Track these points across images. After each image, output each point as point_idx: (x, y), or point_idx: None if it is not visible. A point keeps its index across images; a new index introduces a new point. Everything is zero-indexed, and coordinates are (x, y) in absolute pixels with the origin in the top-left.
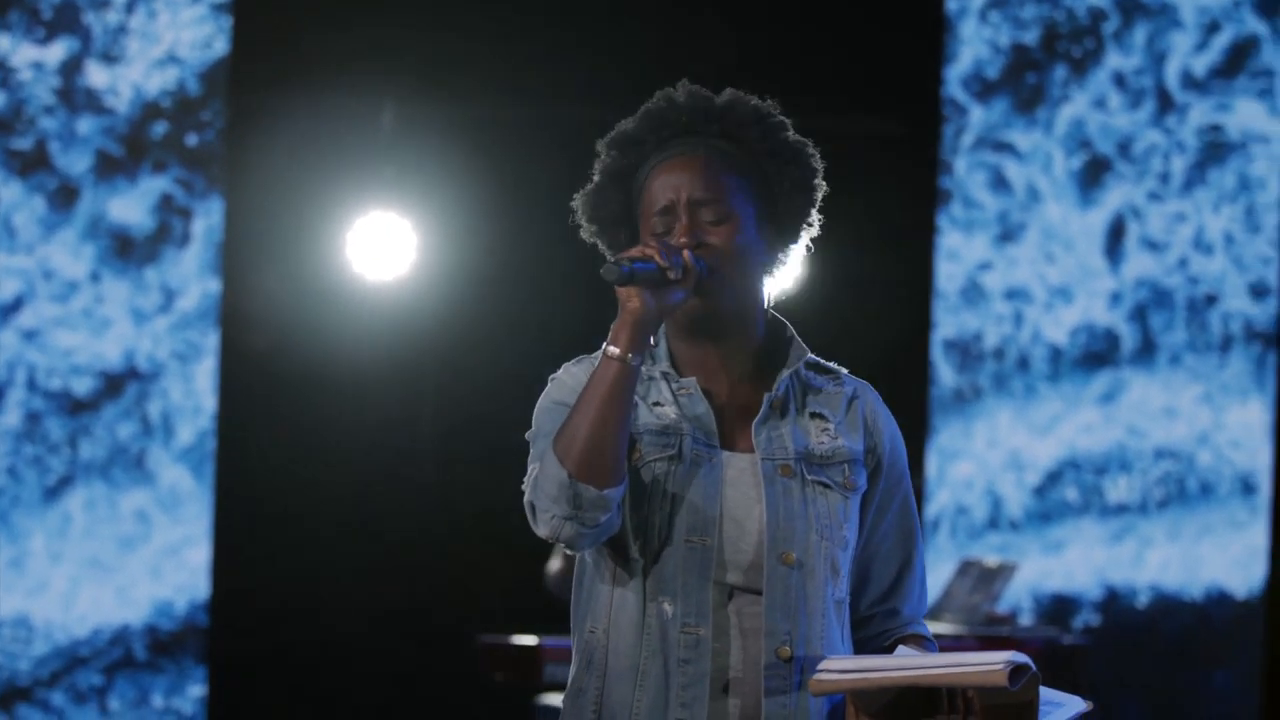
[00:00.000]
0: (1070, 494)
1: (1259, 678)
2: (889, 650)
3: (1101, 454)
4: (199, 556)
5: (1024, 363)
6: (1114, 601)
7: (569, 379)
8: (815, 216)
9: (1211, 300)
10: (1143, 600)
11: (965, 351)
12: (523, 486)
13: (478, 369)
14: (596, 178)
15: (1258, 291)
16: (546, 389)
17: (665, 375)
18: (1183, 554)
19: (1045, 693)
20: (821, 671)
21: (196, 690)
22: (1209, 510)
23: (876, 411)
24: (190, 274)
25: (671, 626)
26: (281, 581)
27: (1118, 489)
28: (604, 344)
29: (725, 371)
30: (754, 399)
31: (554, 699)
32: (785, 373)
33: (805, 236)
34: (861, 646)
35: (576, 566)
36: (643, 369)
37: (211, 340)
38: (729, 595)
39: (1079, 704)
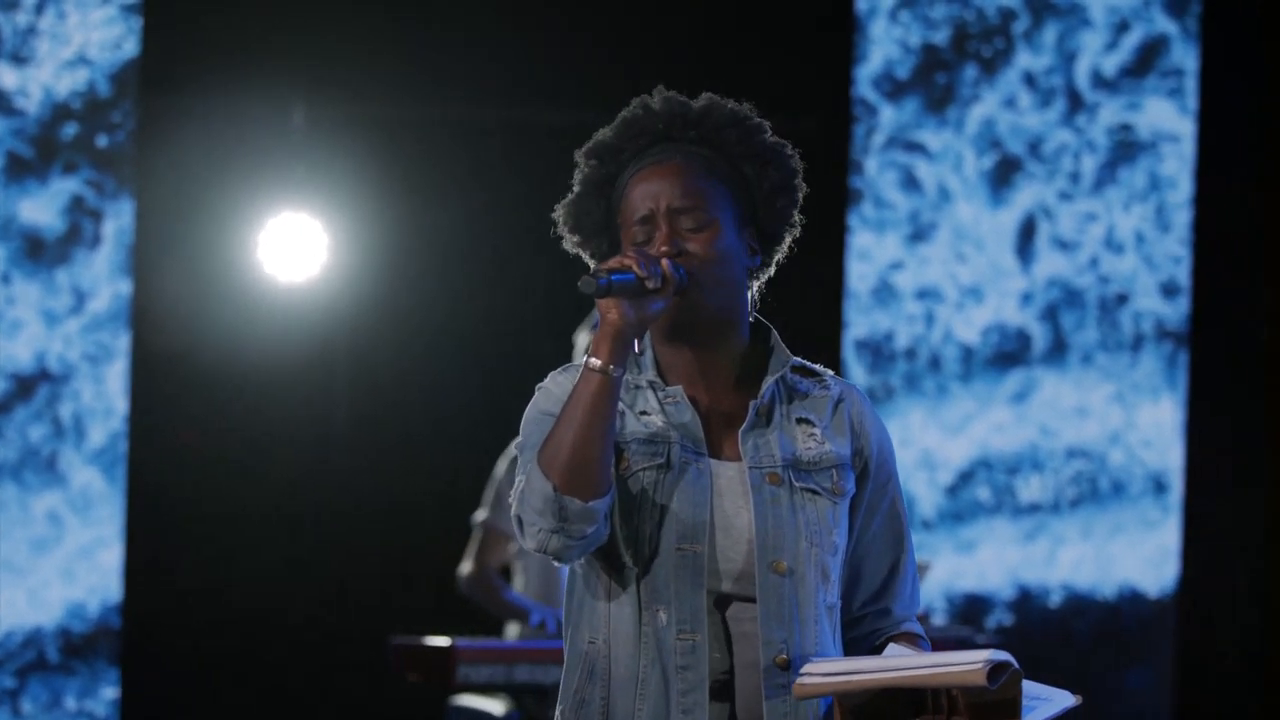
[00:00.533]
0: (983, 493)
1: (1171, 676)
2: (879, 649)
3: (1014, 453)
4: (111, 558)
5: (936, 362)
6: (1027, 601)
7: (555, 388)
8: (797, 217)
9: (1123, 299)
10: (1055, 599)
11: (877, 351)
12: (510, 499)
13: (389, 369)
14: (576, 188)
15: (1169, 290)
16: (535, 399)
17: (651, 384)
18: (1095, 553)
19: (1031, 687)
20: (805, 675)
21: (110, 692)
22: (1121, 509)
23: (863, 413)
24: (101, 275)
25: (667, 634)
26: (194, 583)
27: (1030, 488)
28: (586, 355)
29: (711, 378)
30: (740, 406)
31: (467, 700)
32: (770, 379)
33: (788, 238)
34: (853, 647)
35: (569, 575)
36: (628, 378)
37: (123, 342)
38: (723, 602)
39: (1066, 698)
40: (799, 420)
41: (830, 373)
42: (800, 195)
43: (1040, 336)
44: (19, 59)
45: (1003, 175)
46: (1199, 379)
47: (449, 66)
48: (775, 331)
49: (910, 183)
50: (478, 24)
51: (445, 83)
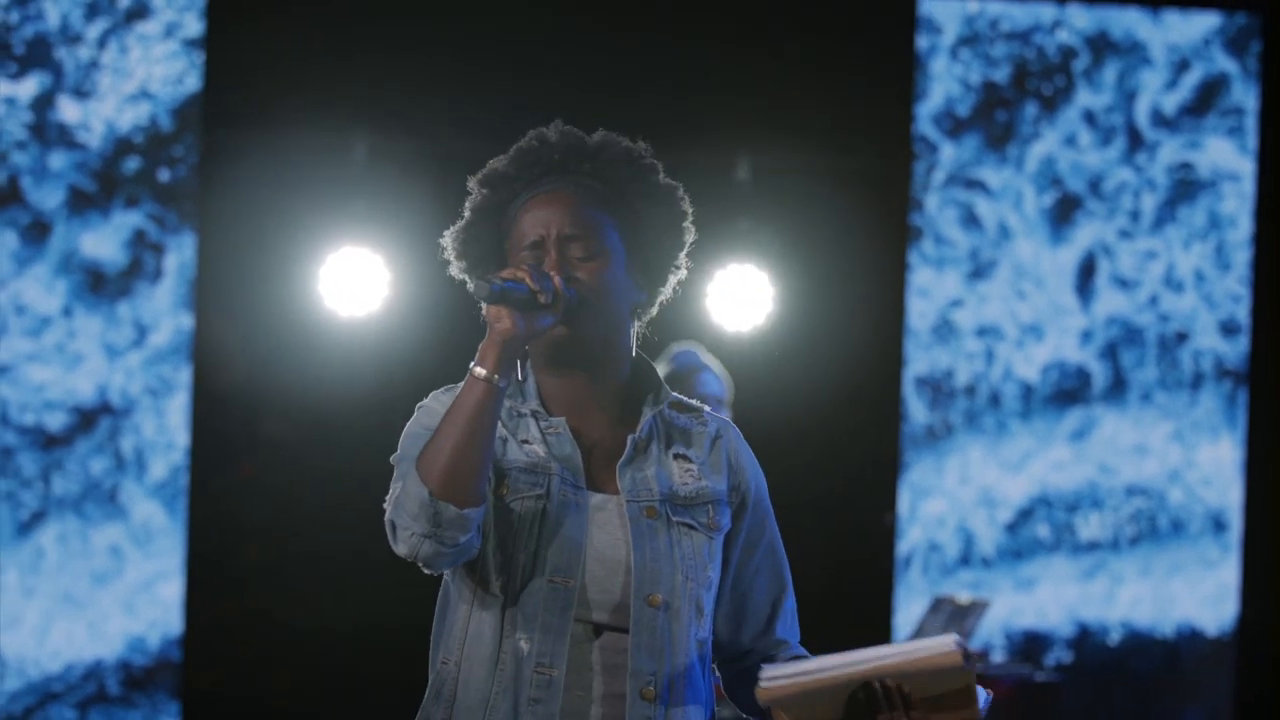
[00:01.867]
0: (1042, 531)
1: (1230, 715)
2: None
3: (1073, 491)
4: (172, 591)
5: (995, 400)
6: (1086, 639)
7: (438, 405)
8: (684, 260)
9: (1182, 338)
10: (1114, 637)
11: (937, 388)
12: (384, 505)
13: None
14: (466, 214)
15: (1228, 329)
16: (415, 416)
17: (534, 413)
18: (1154, 591)
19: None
20: (766, 678)
21: None
22: (1180, 548)
23: (739, 450)
24: (163, 309)
25: (526, 664)
26: (254, 616)
27: (1089, 526)
28: (470, 364)
29: (592, 410)
30: (619, 439)
31: None
32: (649, 413)
33: (673, 280)
34: (741, 679)
35: (439, 597)
36: (512, 404)
37: (184, 375)
38: (593, 633)
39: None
40: (676, 455)
41: (707, 409)
42: (688, 238)
43: (1100, 374)
44: (81, 93)
45: (1063, 213)
46: (1258, 417)
47: (510, 101)
48: (654, 368)
49: (970, 220)
50: (539, 59)
51: (506, 117)
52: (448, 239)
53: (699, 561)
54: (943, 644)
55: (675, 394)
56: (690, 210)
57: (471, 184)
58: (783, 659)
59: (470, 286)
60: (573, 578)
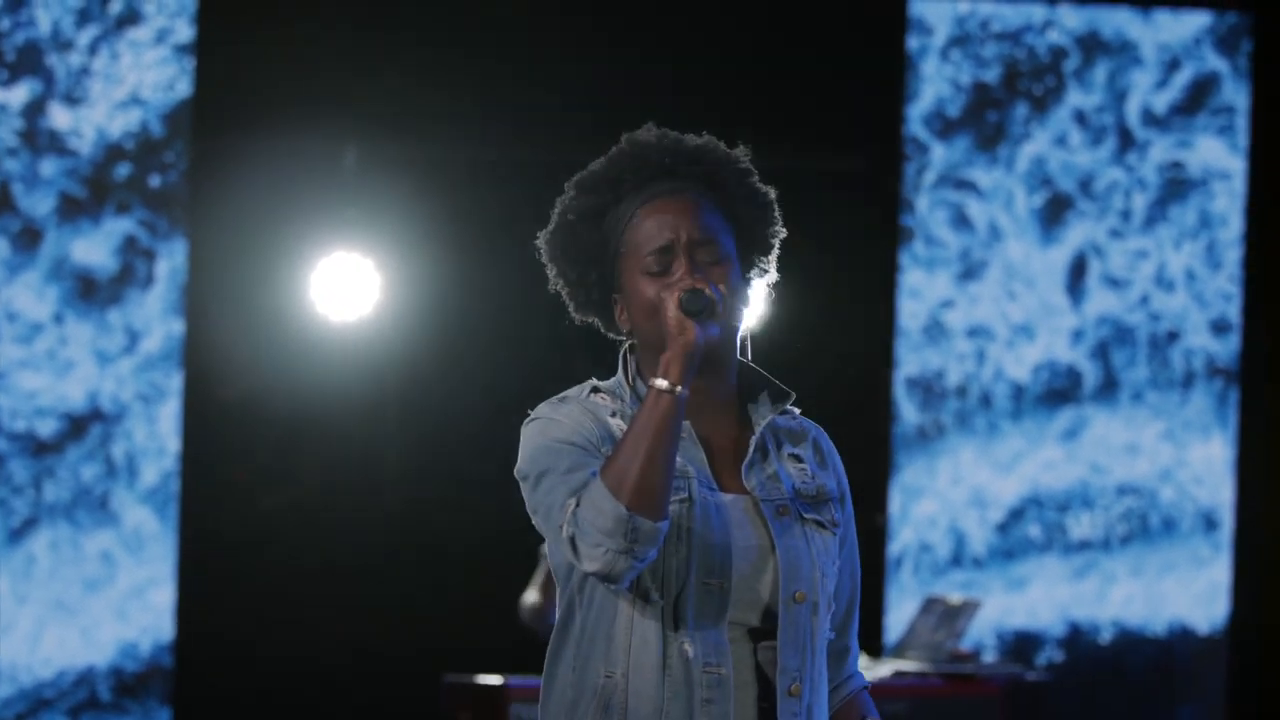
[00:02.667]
0: (1033, 531)
1: (1222, 713)
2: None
3: (1064, 491)
4: (163, 597)
5: (986, 400)
6: (1077, 638)
7: (564, 419)
8: (774, 262)
9: (1173, 337)
10: (1106, 637)
11: (928, 389)
12: (558, 522)
13: (441, 408)
14: (568, 217)
15: (1219, 328)
16: (537, 429)
17: None
18: (1146, 590)
19: None
20: None
21: None
22: (1172, 547)
23: (833, 451)
24: (154, 315)
25: (694, 666)
26: (246, 622)
27: (1080, 526)
28: (651, 378)
29: (711, 413)
30: (735, 441)
31: None
32: (767, 415)
33: (764, 281)
34: None
35: (564, 610)
36: (635, 410)
37: (175, 381)
38: (745, 633)
39: None
40: (790, 456)
41: (798, 410)
42: (778, 241)
43: (1091, 374)
44: (72, 99)
45: (1053, 213)
46: (1250, 416)
47: (500, 106)
48: (764, 371)
49: (961, 221)
50: (528, 63)
51: (496, 122)
52: (544, 241)
53: (829, 558)
54: None
55: (793, 399)
56: (779, 213)
57: (568, 187)
58: (842, 699)
59: (563, 292)
60: (724, 579)
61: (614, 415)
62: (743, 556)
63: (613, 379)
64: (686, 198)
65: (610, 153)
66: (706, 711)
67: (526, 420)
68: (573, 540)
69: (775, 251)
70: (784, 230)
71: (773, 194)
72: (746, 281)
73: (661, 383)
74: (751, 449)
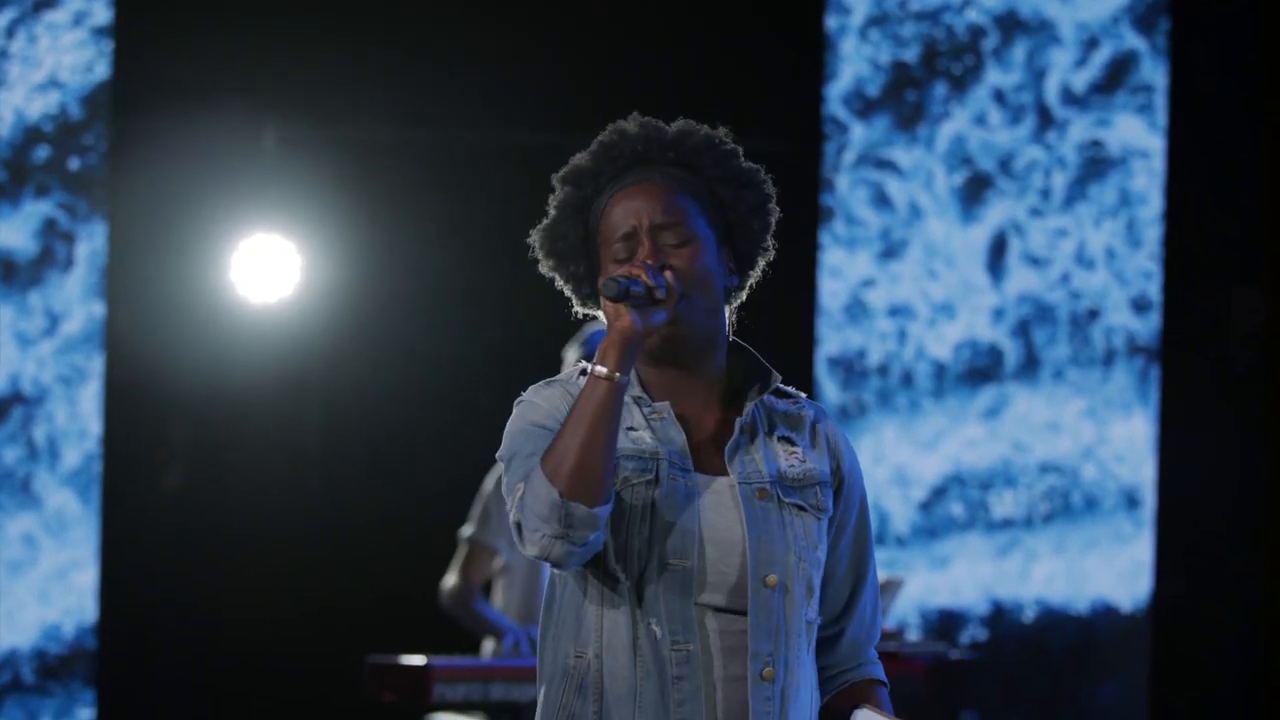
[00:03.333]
0: (956, 509)
1: (1145, 690)
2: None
3: (986, 469)
4: (86, 579)
5: (908, 379)
6: (1001, 616)
7: (543, 402)
8: (770, 241)
9: (1094, 315)
10: (1029, 614)
11: (849, 368)
12: (508, 507)
13: (363, 388)
14: (552, 212)
15: (1140, 306)
16: (519, 411)
17: (637, 400)
18: (1068, 568)
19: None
20: None
21: (86, 714)
22: (1094, 524)
23: (837, 435)
24: (74, 297)
25: (663, 645)
26: (170, 603)
27: (1003, 504)
28: (590, 364)
29: (694, 396)
30: (722, 424)
31: (443, 719)
32: (754, 398)
33: (762, 261)
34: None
35: (548, 591)
36: None
37: (96, 364)
38: (712, 615)
39: None
40: (780, 439)
41: (803, 395)
42: (774, 219)
43: (1012, 352)
44: None
45: (973, 192)
46: (1171, 393)
47: (419, 89)
48: (755, 352)
49: (881, 200)
50: (448, 46)
51: (416, 105)
52: (535, 237)
53: (810, 542)
54: None
55: (778, 381)
56: (774, 192)
57: (554, 181)
58: (849, 683)
59: (560, 283)
60: (689, 560)
61: None
62: (710, 539)
63: None
64: (653, 183)
65: (593, 144)
66: (678, 688)
67: (516, 402)
68: (518, 525)
69: (768, 230)
70: (775, 208)
71: (760, 173)
72: (738, 262)
73: (600, 369)
74: (736, 430)
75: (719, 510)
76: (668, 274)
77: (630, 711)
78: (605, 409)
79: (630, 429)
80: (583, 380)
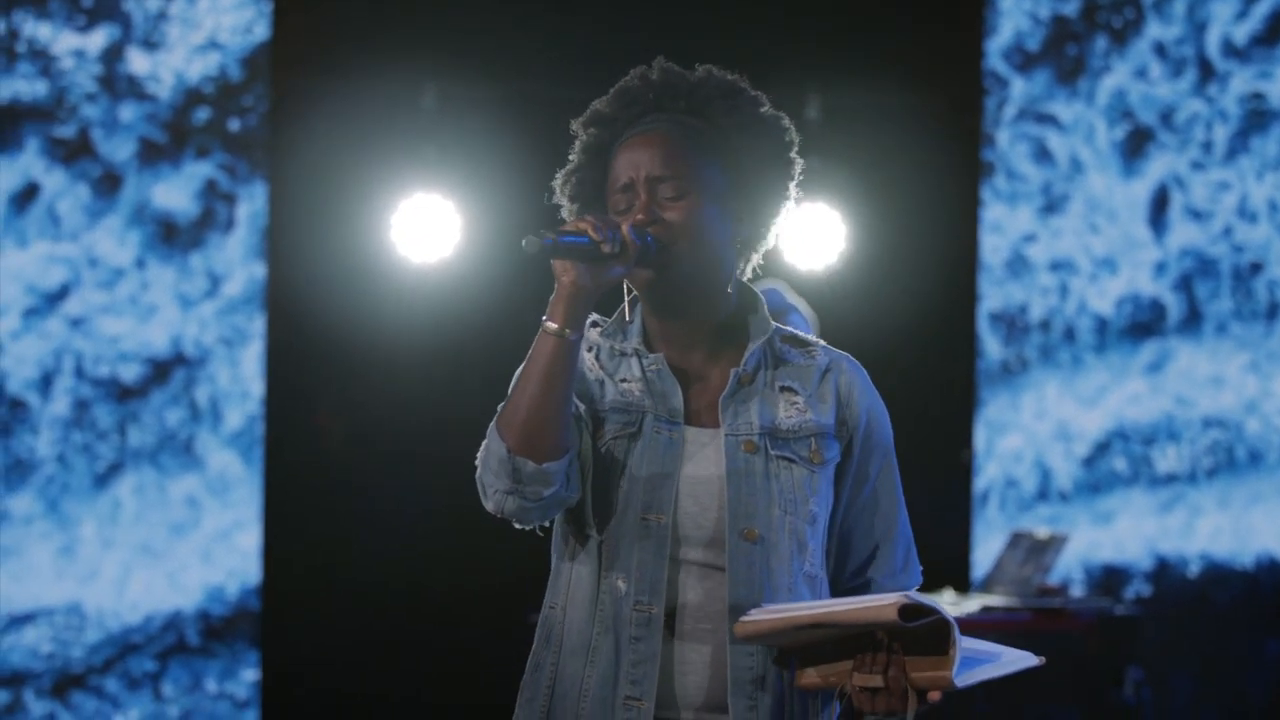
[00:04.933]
0: (1119, 464)
1: None
2: None
3: (1149, 424)
4: (250, 541)
5: (1070, 334)
6: (1165, 571)
7: None
8: (792, 190)
9: (1257, 268)
10: (1194, 570)
11: (1011, 324)
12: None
13: (522, 349)
14: (573, 156)
15: None
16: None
17: (636, 351)
18: (1233, 523)
19: (987, 646)
20: (747, 617)
21: (250, 674)
22: (1258, 478)
23: (853, 384)
24: (235, 259)
25: (624, 604)
26: (332, 564)
27: (1166, 459)
28: (542, 318)
29: (695, 346)
30: (724, 374)
31: None
32: (753, 346)
33: (783, 209)
34: None
35: (553, 544)
36: (615, 345)
37: (258, 325)
38: (690, 570)
39: (1027, 658)
40: (782, 388)
41: (823, 344)
42: (794, 168)
43: (1174, 306)
44: (150, 44)
45: (1135, 146)
46: None
47: (579, 44)
48: (763, 300)
49: (1042, 155)
50: (608, 2)
51: (575, 61)
52: (558, 180)
53: (799, 495)
54: (886, 600)
55: (787, 329)
56: (796, 140)
57: (576, 125)
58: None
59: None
60: (664, 514)
61: (590, 350)
62: (688, 492)
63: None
64: (657, 133)
65: (613, 89)
66: (634, 649)
67: None
68: (480, 481)
69: (787, 179)
70: (796, 158)
71: (780, 121)
72: (751, 211)
73: (549, 325)
74: (732, 381)
75: (701, 463)
76: (624, 228)
77: (581, 665)
78: (553, 363)
79: (623, 380)
80: (590, 333)
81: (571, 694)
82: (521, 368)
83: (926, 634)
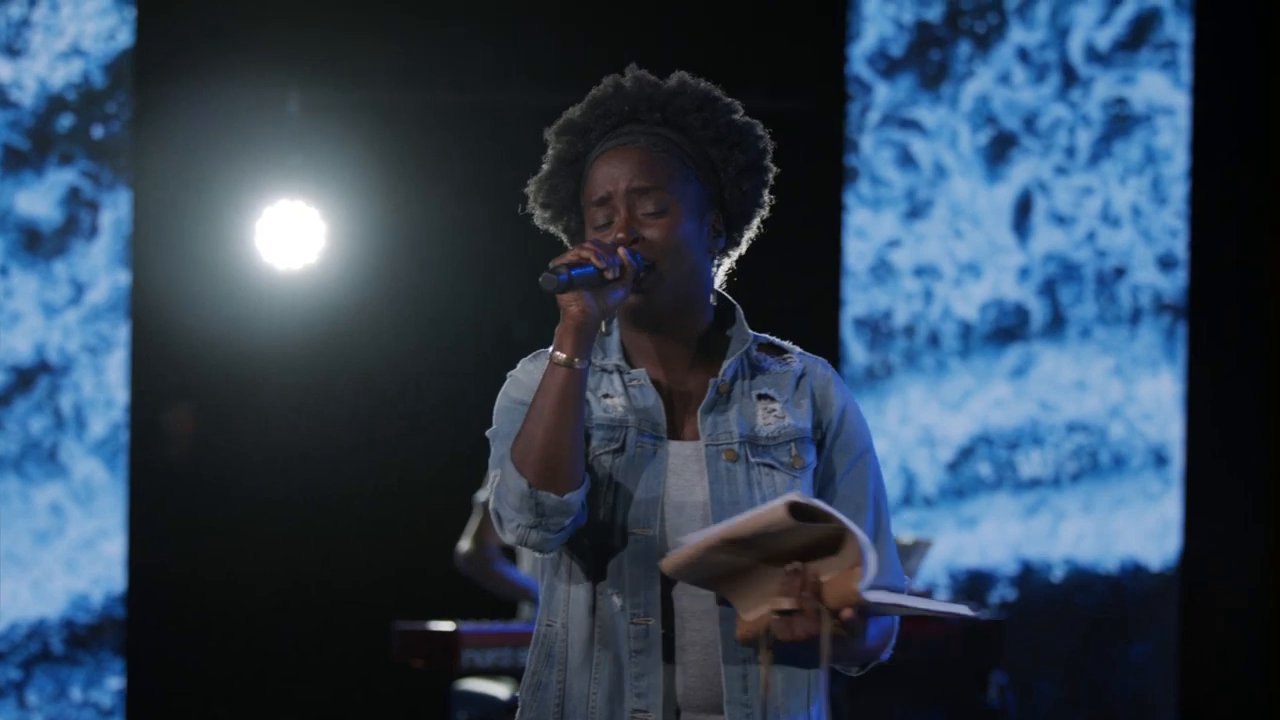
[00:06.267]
0: (983, 469)
1: (1174, 649)
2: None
3: (1014, 429)
4: (114, 549)
5: (935, 339)
6: (1029, 576)
7: (525, 377)
8: (766, 197)
9: (1120, 273)
10: (1058, 574)
11: (876, 329)
12: (486, 492)
13: (388, 354)
14: (546, 165)
15: (1166, 263)
16: (505, 388)
17: (617, 367)
18: (1097, 527)
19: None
20: (669, 553)
21: (115, 682)
22: (1122, 483)
23: (827, 385)
24: (99, 266)
25: (621, 618)
26: (197, 571)
27: (1031, 463)
28: (550, 349)
29: (674, 359)
30: (702, 385)
31: (472, 684)
32: (731, 357)
33: (757, 217)
34: None
35: (540, 562)
36: (595, 361)
37: (122, 332)
38: (681, 582)
39: (960, 607)
40: (760, 396)
41: (797, 349)
42: (769, 175)
43: (1038, 311)
44: (13, 51)
45: (998, 151)
46: (1198, 351)
47: (442, 51)
48: (739, 310)
49: (906, 160)
50: (470, 8)
51: (438, 68)
52: (530, 189)
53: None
54: (776, 504)
55: (764, 336)
56: (770, 147)
57: (548, 134)
58: None
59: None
60: (651, 528)
61: None
62: (673, 505)
63: None
64: (635, 146)
65: (586, 98)
66: (636, 662)
67: (508, 375)
68: (496, 514)
69: (762, 186)
70: (770, 165)
71: (755, 130)
72: (727, 222)
73: (559, 356)
74: (711, 391)
75: (684, 475)
76: (620, 251)
77: (586, 682)
78: (565, 396)
79: (606, 396)
80: None
81: (580, 711)
82: (533, 401)
83: (843, 562)
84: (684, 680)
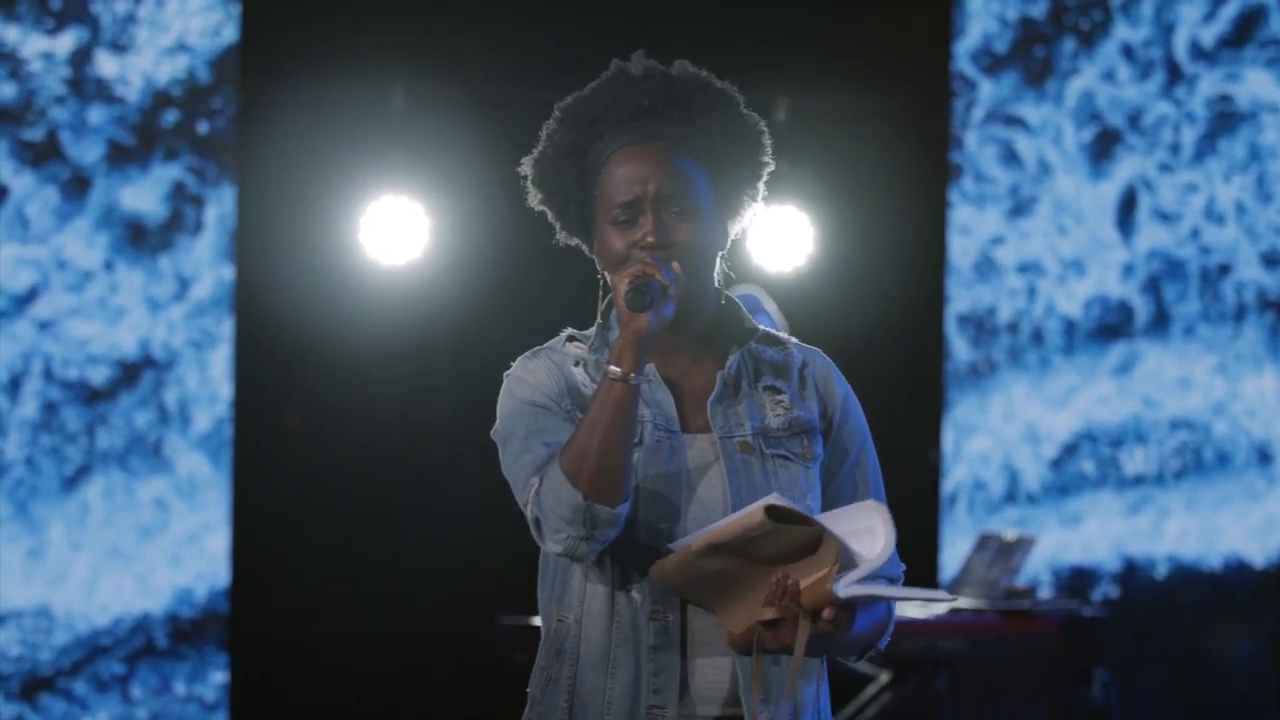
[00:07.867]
0: (1087, 466)
1: (1278, 646)
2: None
3: (1117, 426)
4: (218, 543)
5: (1038, 336)
6: (1132, 573)
7: (529, 376)
8: (761, 189)
9: (1224, 270)
10: (1161, 571)
11: (979, 326)
12: (523, 500)
13: (491, 351)
14: (550, 147)
15: (1270, 260)
16: (507, 388)
17: None
18: (1200, 524)
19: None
20: (656, 564)
21: (219, 677)
22: (1226, 480)
23: (828, 375)
24: (204, 261)
25: (640, 614)
26: (301, 566)
27: (1134, 460)
28: (606, 363)
29: (680, 353)
30: (708, 378)
31: None
32: (736, 349)
33: (751, 210)
34: None
35: (541, 556)
36: (599, 360)
37: (226, 327)
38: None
39: (941, 594)
40: (766, 388)
41: (794, 340)
42: (766, 170)
43: (1142, 308)
44: (119, 47)
45: (1102, 148)
46: None
47: (546, 46)
48: (740, 304)
49: (1010, 157)
50: (579, 3)
51: (544, 62)
52: (527, 168)
53: (797, 492)
54: (754, 508)
55: (764, 328)
56: (768, 140)
57: (552, 118)
58: None
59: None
60: (673, 522)
61: (578, 365)
62: (693, 499)
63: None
64: (660, 146)
65: (595, 83)
66: (654, 658)
67: (505, 374)
68: (537, 522)
69: (761, 179)
70: (771, 163)
71: (758, 124)
72: (733, 218)
73: (614, 370)
74: (719, 384)
75: (702, 468)
76: (675, 265)
77: (602, 678)
78: (622, 410)
79: None
80: (569, 347)
81: (594, 707)
82: (587, 413)
83: (821, 563)
84: (700, 675)
